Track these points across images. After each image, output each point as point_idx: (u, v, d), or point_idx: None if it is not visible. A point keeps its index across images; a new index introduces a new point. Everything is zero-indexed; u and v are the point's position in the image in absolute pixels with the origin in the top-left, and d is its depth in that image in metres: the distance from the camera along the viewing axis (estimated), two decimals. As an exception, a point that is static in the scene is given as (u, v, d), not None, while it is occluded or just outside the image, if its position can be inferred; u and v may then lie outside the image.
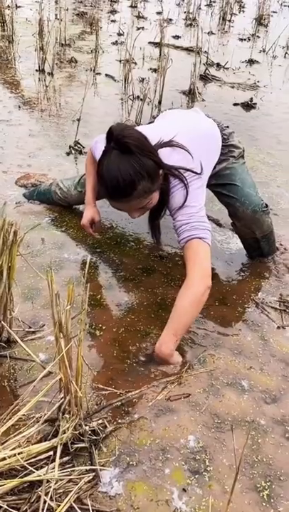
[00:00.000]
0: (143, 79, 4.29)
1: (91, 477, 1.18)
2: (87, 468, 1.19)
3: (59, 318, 1.09)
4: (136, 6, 7.55)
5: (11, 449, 1.17)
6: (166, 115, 1.95)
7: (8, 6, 5.85)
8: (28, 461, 1.16)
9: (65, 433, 1.20)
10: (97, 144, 1.81)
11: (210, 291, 1.54)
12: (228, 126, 1.94)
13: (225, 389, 1.48)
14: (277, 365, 1.60)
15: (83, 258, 1.99)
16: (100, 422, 1.31)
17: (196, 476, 1.24)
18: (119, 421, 1.34)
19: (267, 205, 1.96)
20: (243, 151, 1.96)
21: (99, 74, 4.37)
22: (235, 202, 1.92)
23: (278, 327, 1.76)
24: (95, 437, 1.27)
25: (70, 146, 2.88)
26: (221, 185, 1.93)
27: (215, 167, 1.87)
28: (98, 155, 1.58)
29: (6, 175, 2.53)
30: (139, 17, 6.82)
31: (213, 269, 2.02)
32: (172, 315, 1.53)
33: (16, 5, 6.38)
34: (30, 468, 1.14)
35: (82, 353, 1.19)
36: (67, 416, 1.22)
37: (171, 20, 6.81)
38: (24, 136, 3.01)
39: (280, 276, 2.02)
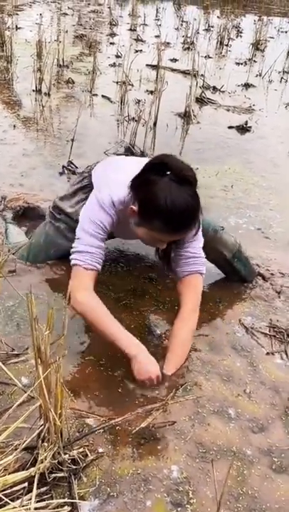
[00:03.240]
0: (139, 101, 4.32)
1: (69, 509, 1.14)
2: (66, 501, 1.15)
3: (38, 344, 1.06)
4: (135, 30, 7.64)
5: (-14, 479, 1.13)
6: (120, 159, 1.93)
7: (8, 28, 5.92)
8: (3, 492, 1.12)
9: (42, 462, 1.16)
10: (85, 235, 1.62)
11: (199, 314, 1.65)
12: None
13: (211, 417, 1.45)
14: (266, 392, 1.57)
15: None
16: (81, 450, 1.27)
17: (179, 509, 1.20)
18: (101, 449, 1.30)
19: (222, 227, 1.99)
20: None
21: (95, 95, 4.39)
22: None
23: (267, 353, 1.73)
24: (74, 467, 1.23)
25: (63, 166, 2.88)
26: None
27: None
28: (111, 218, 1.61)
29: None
30: (137, 40, 6.90)
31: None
32: (171, 348, 1.61)
33: (16, 26, 6.46)
34: (5, 499, 1.10)
35: (65, 378, 1.16)
36: (46, 444, 1.18)
37: (169, 43, 6.89)
38: (18, 156, 3.01)
39: (270, 300, 1.99)
